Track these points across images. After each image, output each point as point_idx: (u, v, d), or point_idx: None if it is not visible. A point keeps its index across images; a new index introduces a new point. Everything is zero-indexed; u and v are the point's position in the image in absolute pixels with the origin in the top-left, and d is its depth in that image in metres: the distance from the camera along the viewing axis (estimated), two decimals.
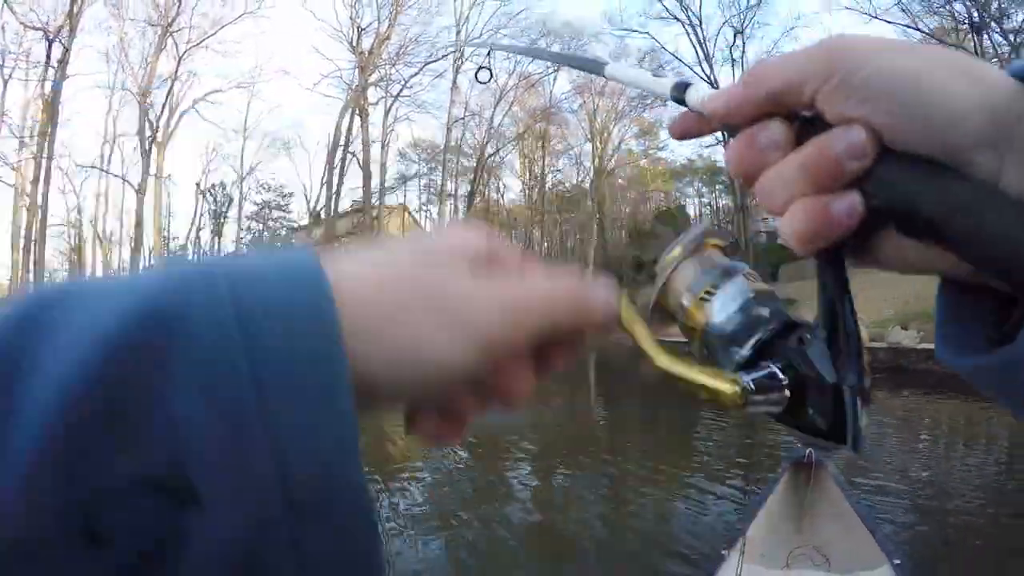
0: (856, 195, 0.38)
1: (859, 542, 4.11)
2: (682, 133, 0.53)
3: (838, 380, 0.44)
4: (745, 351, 0.49)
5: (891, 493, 6.87)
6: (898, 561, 3.57)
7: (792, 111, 0.41)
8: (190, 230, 57.78)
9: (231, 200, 57.37)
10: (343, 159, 40.37)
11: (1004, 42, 20.54)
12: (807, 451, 5.16)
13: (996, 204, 0.34)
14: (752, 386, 0.44)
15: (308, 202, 37.23)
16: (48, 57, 34.09)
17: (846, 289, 0.45)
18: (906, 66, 0.36)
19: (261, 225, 59.76)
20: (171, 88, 39.69)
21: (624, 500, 7.97)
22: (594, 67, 0.87)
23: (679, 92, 0.53)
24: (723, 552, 3.87)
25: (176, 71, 38.37)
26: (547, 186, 61.52)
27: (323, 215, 40.85)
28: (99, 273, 53.81)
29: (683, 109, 0.52)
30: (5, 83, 43.19)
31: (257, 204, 59.31)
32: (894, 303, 22.50)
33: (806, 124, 0.40)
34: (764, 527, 4.43)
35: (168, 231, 60.36)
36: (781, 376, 0.44)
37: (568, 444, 11.24)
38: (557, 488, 8.69)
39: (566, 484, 8.84)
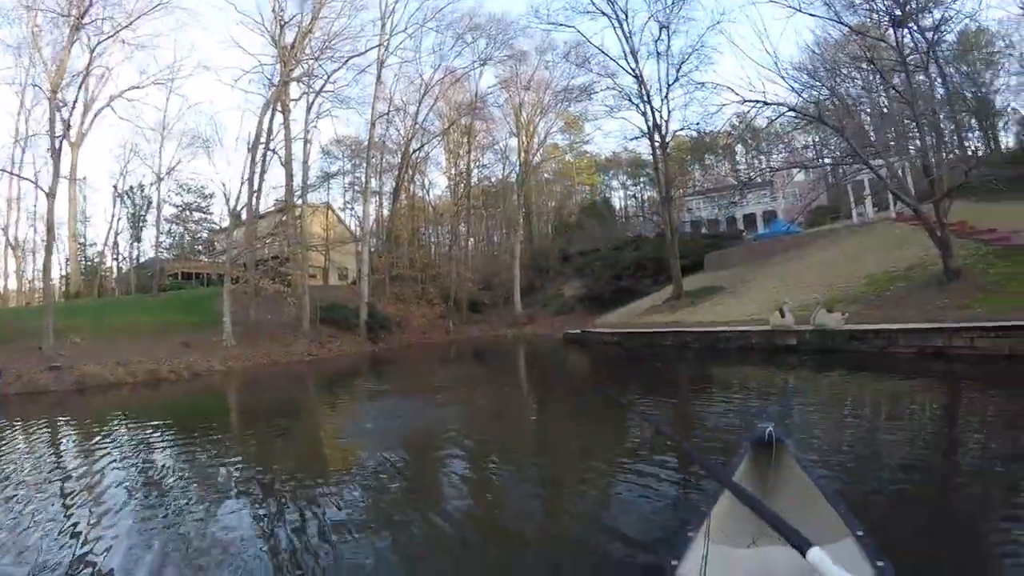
0: None
1: (822, 517, 4.15)
2: None
3: None
4: None
5: (833, 467, 6.95)
6: (861, 533, 3.63)
7: None
8: (107, 235, 56.04)
9: (150, 202, 55.41)
10: (264, 157, 39.45)
11: (923, 40, 21.11)
12: (767, 430, 5.18)
13: None
14: None
15: (228, 202, 36.40)
16: None
17: None
18: None
19: (182, 228, 58.49)
20: (83, 83, 38.17)
21: (563, 488, 7.89)
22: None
23: None
24: (689, 533, 3.87)
25: (89, 65, 36.79)
26: (473, 181, 61.16)
27: (244, 216, 39.87)
28: (12, 283, 52.03)
29: None
30: None
31: (177, 206, 57.90)
32: (820, 288, 23.02)
33: None
34: (728, 507, 4.41)
35: (84, 236, 59.08)
36: None
37: (502, 437, 11.07)
38: (495, 481, 8.45)
39: (503, 476, 8.57)
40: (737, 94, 22.82)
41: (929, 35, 21.13)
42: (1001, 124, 49.20)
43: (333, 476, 8.81)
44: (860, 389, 13.27)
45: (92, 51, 36.75)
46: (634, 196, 73.05)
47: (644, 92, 36.04)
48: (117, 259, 59.02)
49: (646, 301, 37.14)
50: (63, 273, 52.81)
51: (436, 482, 8.39)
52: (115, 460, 10.36)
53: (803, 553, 2.36)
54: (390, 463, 9.19)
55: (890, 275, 22.27)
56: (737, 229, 56.25)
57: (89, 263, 57.72)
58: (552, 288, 55.75)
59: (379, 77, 44.89)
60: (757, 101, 21.71)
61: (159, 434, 13.00)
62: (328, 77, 42.76)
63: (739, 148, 59.92)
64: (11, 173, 41.50)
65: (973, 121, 44.03)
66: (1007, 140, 48.97)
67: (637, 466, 7.95)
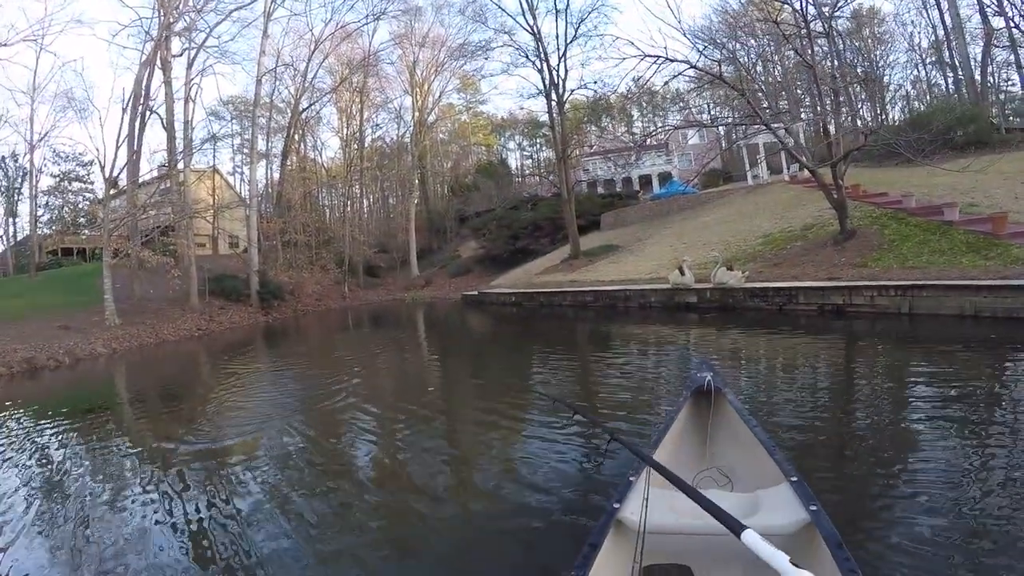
0: None
1: (759, 463, 4.33)
2: None
3: None
4: None
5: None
6: (795, 479, 3.74)
7: None
8: None
9: (25, 173, 50.58)
10: (143, 118, 37.02)
11: (826, 4, 21.40)
12: (707, 379, 5.28)
13: None
14: None
15: (104, 169, 33.80)
16: None
17: None
18: None
19: (60, 200, 54.13)
20: None
21: (470, 446, 7.97)
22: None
23: None
24: (630, 478, 3.92)
25: None
26: (367, 142, 59.69)
27: (125, 183, 37.41)
28: None
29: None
30: None
31: (55, 176, 53.33)
32: (717, 247, 23.17)
33: None
34: (669, 453, 4.61)
35: None
36: None
37: (406, 405, 10.55)
38: (400, 447, 8.19)
39: (407, 441, 8.37)
40: (638, 49, 22.59)
41: (828, 5, 21.40)
42: (889, 98, 51.04)
43: (235, 456, 8.30)
44: (763, 346, 13.31)
45: None
46: (531, 157, 72.99)
47: (542, 50, 35.73)
48: None
49: (543, 261, 37.03)
50: None
51: (341, 452, 8.17)
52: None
53: (737, 535, 2.33)
54: (291, 439, 8.82)
55: (787, 234, 22.56)
56: (633, 189, 56.51)
57: None
58: (449, 249, 55.30)
59: (266, 31, 42.68)
60: (658, 56, 21.44)
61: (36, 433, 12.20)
62: (211, 30, 40.44)
63: (635, 112, 60.38)
64: None
65: (864, 94, 45.40)
66: (894, 113, 50.86)
67: (541, 430, 8.04)
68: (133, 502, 6.79)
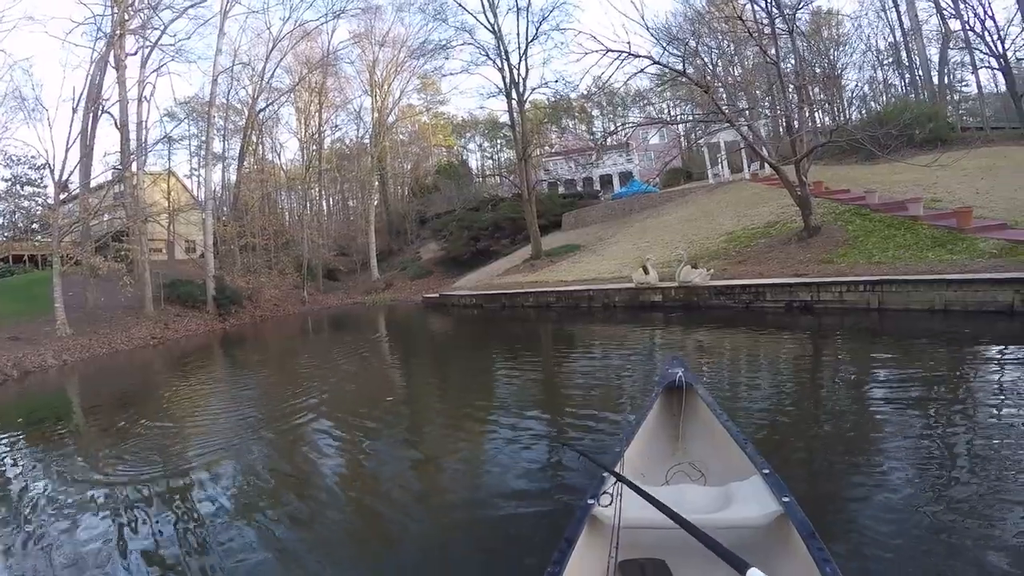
0: None
1: (731, 456, 4.41)
2: None
3: None
4: None
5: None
6: (767, 471, 3.81)
7: None
8: None
9: None
10: (94, 118, 36.02)
11: (788, 5, 21.40)
12: (678, 375, 5.37)
13: None
14: None
15: (52, 172, 32.60)
16: None
17: None
18: None
19: (12, 205, 52.29)
20: None
21: (436, 451, 7.84)
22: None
23: None
24: (604, 474, 3.90)
25: None
26: (326, 143, 58.89)
27: (77, 186, 36.43)
28: None
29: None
30: None
31: (6, 180, 51.74)
32: (680, 246, 22.97)
33: None
34: (642, 448, 4.73)
35: None
36: None
37: (369, 412, 10.19)
38: (365, 455, 8.00)
39: (373, 449, 8.19)
40: (601, 43, 22.25)
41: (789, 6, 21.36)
42: (847, 98, 51.67)
43: (192, 474, 7.84)
44: (731, 343, 13.14)
45: None
46: (491, 157, 72.59)
47: (502, 48, 35.40)
48: None
49: (504, 262, 36.60)
50: None
51: (305, 461, 7.93)
52: None
53: (742, 573, 2.27)
54: (248, 452, 8.53)
55: (750, 232, 22.45)
56: (594, 189, 56.31)
57: None
58: (409, 252, 54.61)
59: (222, 28, 41.77)
60: (621, 52, 21.18)
61: None
62: (165, 27, 39.44)
63: (596, 112, 60.33)
64: None
65: (822, 94, 45.88)
66: (851, 113, 51.48)
67: (506, 432, 7.94)
68: (83, 527, 6.45)
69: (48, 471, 9.12)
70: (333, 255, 53.26)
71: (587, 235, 34.85)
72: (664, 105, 51.54)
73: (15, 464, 9.85)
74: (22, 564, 5.77)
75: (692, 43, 25.17)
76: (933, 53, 44.51)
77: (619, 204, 40.66)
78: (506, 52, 35.37)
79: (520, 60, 35.38)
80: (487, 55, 36.71)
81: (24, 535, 6.48)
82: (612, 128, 55.78)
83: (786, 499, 3.40)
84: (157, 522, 6.24)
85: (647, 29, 26.68)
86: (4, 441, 11.63)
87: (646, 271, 19.96)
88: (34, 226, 52.05)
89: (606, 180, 59.40)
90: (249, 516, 6.12)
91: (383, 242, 54.13)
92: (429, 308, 32.95)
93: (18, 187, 50.54)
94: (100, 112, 36.40)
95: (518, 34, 35.34)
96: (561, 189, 56.86)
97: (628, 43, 23.31)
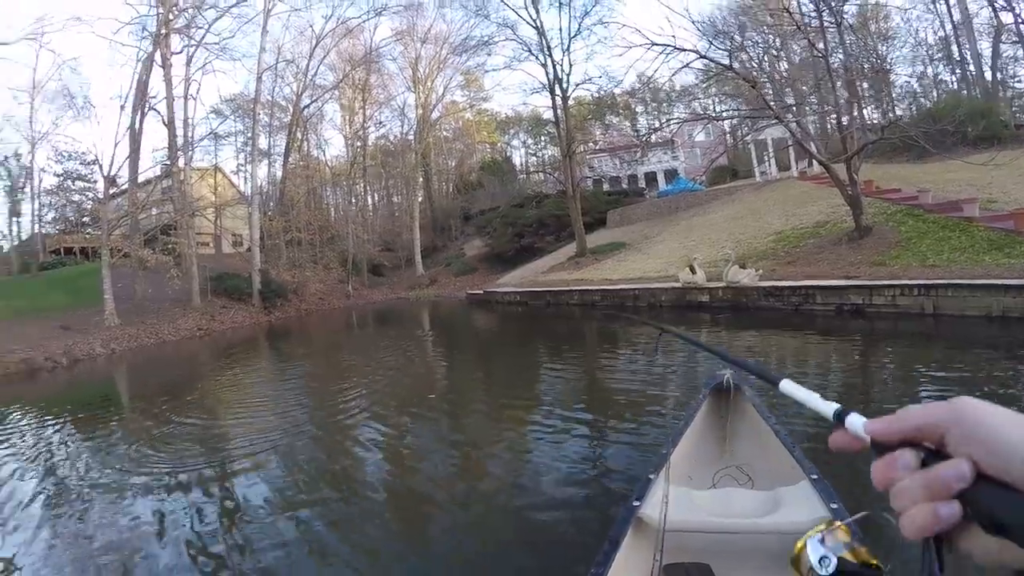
0: (957, 504, 0.56)
1: (778, 460, 4.34)
2: (839, 448, 0.73)
3: None
4: None
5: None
6: (815, 476, 3.76)
7: (921, 444, 0.61)
8: None
9: (28, 173, 50.66)
10: (142, 116, 36.78)
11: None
12: (725, 377, 5.30)
13: None
14: None
15: (101, 168, 33.63)
16: None
17: (941, 567, 0.57)
18: (1007, 430, 0.56)
19: (63, 199, 53.77)
20: None
21: (479, 448, 7.88)
22: (772, 379, 1.18)
23: (839, 417, 0.75)
24: (650, 476, 3.94)
25: None
26: (370, 140, 59.26)
27: (126, 181, 37.42)
28: None
29: (841, 429, 0.74)
30: None
31: (58, 175, 53.21)
32: (727, 245, 22.70)
33: (929, 454, 0.60)
34: (689, 451, 4.65)
35: None
36: None
37: (410, 403, 10.38)
38: (407, 451, 8.09)
39: (415, 445, 8.30)
40: (645, 37, 22.05)
41: None
42: (896, 95, 50.65)
43: (241, 459, 8.21)
44: (780, 346, 12.97)
45: None
46: (535, 154, 72.34)
47: (545, 44, 35.35)
48: None
49: (549, 259, 36.46)
50: None
51: (347, 455, 8.02)
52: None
53: (776, 384, 1.87)
54: (297, 443, 8.75)
55: (799, 232, 22.08)
56: (639, 187, 55.92)
57: None
58: (454, 248, 54.77)
59: (265, 27, 42.49)
60: (666, 45, 20.99)
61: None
62: (209, 26, 40.06)
63: (640, 109, 59.83)
64: None
65: (871, 90, 45.03)
66: (900, 110, 50.47)
67: (550, 434, 7.94)
68: (124, 511, 6.71)
69: (94, 456, 9.47)
70: (378, 250, 53.77)
71: (632, 233, 34.57)
72: (709, 101, 51.09)
73: (64, 446, 10.30)
74: (65, 545, 5.99)
75: (738, 37, 24.90)
76: (985, 47, 43.36)
77: (665, 202, 40.24)
78: (549, 47, 35.38)
79: (563, 56, 35.37)
80: (529, 51, 36.81)
81: (68, 516, 6.77)
82: (657, 124, 55.41)
83: (834, 505, 3.37)
84: (197, 510, 6.47)
85: (692, 22, 26.38)
86: (54, 425, 12.17)
87: (693, 271, 19.73)
88: (84, 220, 53.64)
89: (651, 177, 58.94)
90: (289, 507, 6.28)
91: (427, 238, 54.35)
92: (473, 304, 33.03)
93: (69, 182, 51.94)
94: (147, 109, 37.23)
95: (560, 29, 35.17)
96: (606, 186, 56.57)
97: (673, 36, 23.08)
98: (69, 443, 10.62)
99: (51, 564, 5.60)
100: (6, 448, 10.58)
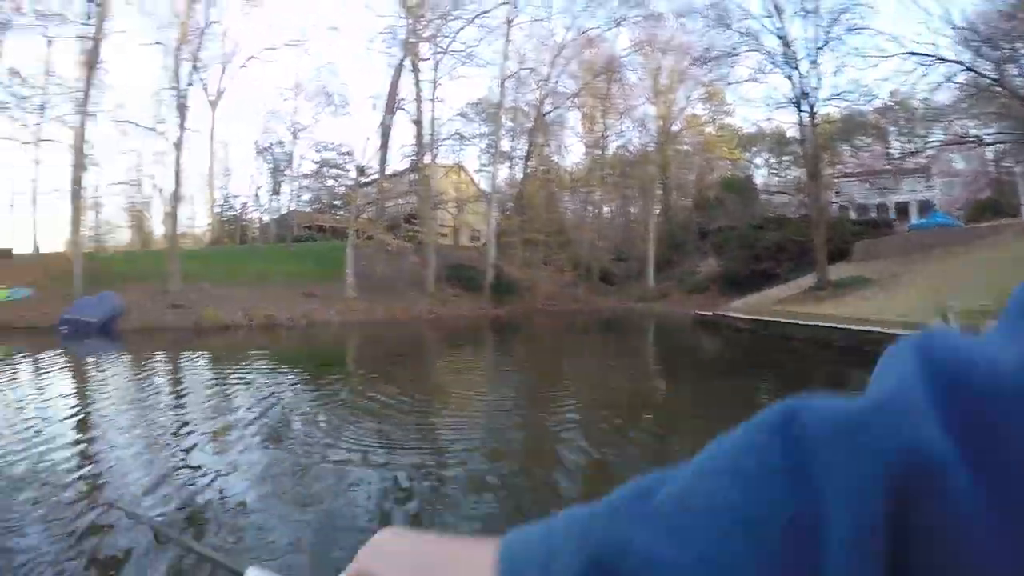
0: None
1: None
2: None
3: None
4: None
5: None
6: None
7: None
8: (250, 187, 59.70)
9: (290, 158, 58.17)
10: (393, 115, 39.90)
11: None
12: None
13: None
14: None
15: (354, 159, 37.49)
16: (89, 16, 34.21)
17: None
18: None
19: (319, 184, 60.51)
20: (200, 42, 38.97)
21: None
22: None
23: None
24: None
25: (205, 24, 37.54)
26: (609, 149, 59.94)
27: (376, 172, 41.04)
28: (158, 229, 56.47)
29: None
30: (49, 43, 44.54)
31: (316, 163, 59.87)
32: (990, 289, 20.82)
33: None
34: None
35: (227, 189, 65.21)
36: None
37: (623, 419, 10.46)
38: (613, 468, 7.98)
39: (623, 464, 8.13)
40: (902, 46, 20.57)
41: None
42: None
43: (453, 442, 8.81)
44: None
45: (208, 8, 37.50)
46: (778, 174, 69.96)
47: (790, 56, 34.08)
48: (259, 211, 64.80)
49: (784, 288, 35.55)
50: (209, 222, 59.76)
51: (550, 458, 8.22)
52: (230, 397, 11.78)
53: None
54: (506, 436, 9.31)
55: None
56: (888, 217, 52.62)
57: (234, 214, 64.47)
58: (687, 264, 54.25)
59: (508, 36, 44.55)
60: (925, 55, 19.62)
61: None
62: (454, 36, 42.74)
63: (891, 129, 56.32)
64: (138, 125, 43.37)
65: None
66: None
67: None
68: (342, 458, 7.53)
69: (311, 407, 10.82)
70: (610, 259, 54.31)
71: (878, 268, 32.78)
72: (969, 123, 47.31)
73: (289, 393, 12.04)
74: (274, 484, 6.72)
75: (1006, 46, 22.84)
76: None
77: (916, 237, 37.62)
78: (794, 59, 34.02)
79: (810, 68, 33.93)
80: (774, 62, 35.59)
81: (282, 461, 7.56)
82: (911, 148, 51.87)
83: None
84: (395, 484, 6.82)
85: (953, 28, 24.10)
86: (286, 374, 14.59)
87: (946, 320, 18.39)
88: (335, 202, 60.63)
89: (901, 208, 55.40)
90: (480, 502, 6.44)
91: (661, 251, 54.23)
92: (699, 324, 32.67)
93: (325, 170, 58.54)
94: (396, 109, 40.60)
95: (806, 39, 33.58)
96: (852, 214, 53.87)
97: (934, 44, 21.51)
98: (295, 391, 12.32)
99: (259, 498, 6.26)
100: (244, 385, 12.86)
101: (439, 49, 43.48)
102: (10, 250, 37.64)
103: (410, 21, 39.61)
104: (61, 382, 14.09)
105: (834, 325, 23.47)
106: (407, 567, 0.55)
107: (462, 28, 43.27)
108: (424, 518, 5.93)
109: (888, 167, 47.67)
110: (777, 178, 66.56)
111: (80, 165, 32.18)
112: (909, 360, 0.41)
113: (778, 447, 0.37)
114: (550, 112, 55.01)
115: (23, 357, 17.69)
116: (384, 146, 40.35)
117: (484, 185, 61.41)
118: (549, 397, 12.53)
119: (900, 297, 25.82)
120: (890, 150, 51.35)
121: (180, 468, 7.04)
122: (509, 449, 8.62)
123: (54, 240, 58.79)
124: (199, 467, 7.05)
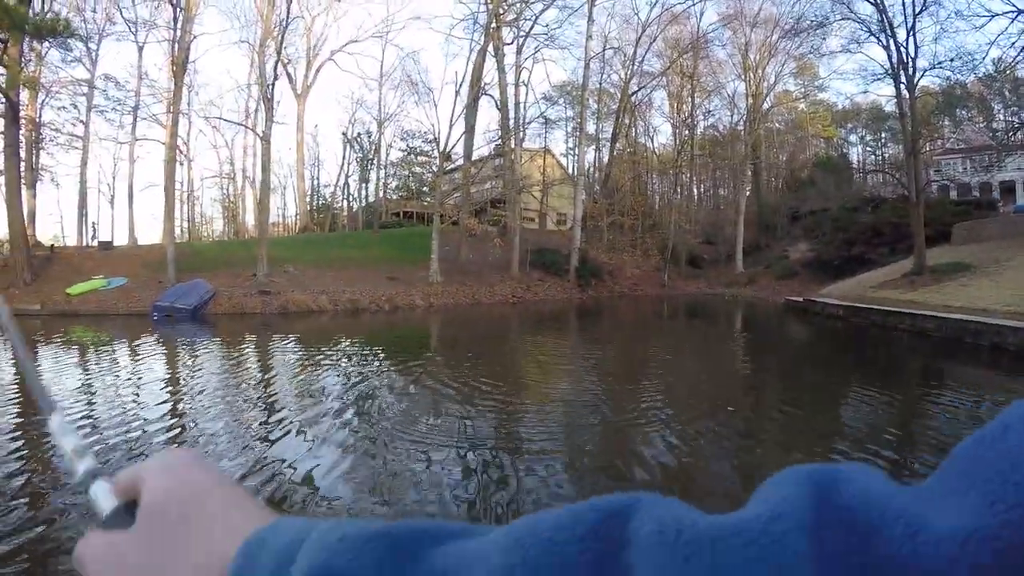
0: None
1: None
2: None
3: None
4: None
5: None
6: None
7: None
8: (339, 176, 61.61)
9: (377, 147, 59.44)
10: (476, 101, 39.87)
11: None
12: None
13: None
14: None
15: (438, 146, 37.81)
16: (175, 19, 35.45)
17: None
18: None
19: (406, 171, 61.93)
20: (282, 37, 39.60)
21: (759, 477, 7.09)
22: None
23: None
24: None
25: (286, 19, 38.23)
26: (698, 129, 58.64)
27: (461, 158, 41.48)
28: (251, 219, 59.02)
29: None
30: (140, 49, 48.82)
31: (402, 151, 61.23)
32: None
33: None
34: None
35: (317, 178, 69.49)
36: None
37: (705, 412, 10.17)
38: (692, 464, 7.74)
39: (701, 460, 7.95)
40: (1012, 4, 18.90)
41: None
42: None
43: (532, 429, 8.79)
44: None
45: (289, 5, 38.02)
46: (874, 152, 67.73)
47: (886, 22, 32.12)
48: (347, 199, 66.80)
49: (880, 273, 34.04)
50: (297, 211, 62.26)
51: (630, 454, 7.97)
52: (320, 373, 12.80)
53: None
54: (585, 427, 9.12)
55: None
56: (993, 198, 49.85)
57: (323, 202, 67.46)
58: (777, 248, 53.04)
59: (590, 16, 43.67)
60: None
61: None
62: (536, 18, 42.53)
63: (996, 102, 53.39)
64: (228, 121, 44.97)
65: None
66: None
67: None
68: (420, 440, 7.79)
69: (394, 388, 11.20)
70: (698, 242, 53.77)
71: (980, 253, 31.15)
72: None
73: (376, 375, 12.50)
74: (357, 461, 7.00)
75: None
76: None
77: (1022, 219, 35.89)
78: (891, 26, 31.80)
79: (908, 36, 31.66)
80: (869, 31, 33.50)
81: (364, 438, 7.92)
82: (1017, 122, 49.06)
83: None
84: (470, 468, 6.86)
85: None
86: (370, 356, 15.16)
87: None
88: (423, 189, 62.35)
89: (1007, 187, 52.24)
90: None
91: (751, 235, 53.20)
92: (789, 311, 31.85)
93: (411, 156, 59.74)
94: (480, 94, 40.63)
95: (903, 4, 31.30)
96: (953, 194, 51.27)
97: None
98: (380, 373, 12.75)
99: (342, 474, 6.51)
100: (332, 366, 13.52)
101: (521, 33, 43.40)
102: (110, 242, 40.72)
103: (491, 5, 39.49)
104: (154, 365, 14.71)
105: (929, 313, 22.43)
106: (174, 501, 0.50)
107: (544, 10, 43.07)
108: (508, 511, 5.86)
109: (992, 143, 45.30)
110: (873, 156, 64.41)
111: (173, 160, 33.18)
112: (801, 490, 0.36)
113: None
114: (636, 92, 54.35)
115: (120, 342, 18.48)
116: (469, 132, 40.49)
117: (569, 168, 61.31)
118: (631, 384, 12.59)
119: (1003, 285, 24.44)
120: (995, 124, 48.97)
121: (267, 457, 7.18)
122: (591, 443, 8.51)
123: (153, 232, 62.59)
124: (285, 457, 7.15)
